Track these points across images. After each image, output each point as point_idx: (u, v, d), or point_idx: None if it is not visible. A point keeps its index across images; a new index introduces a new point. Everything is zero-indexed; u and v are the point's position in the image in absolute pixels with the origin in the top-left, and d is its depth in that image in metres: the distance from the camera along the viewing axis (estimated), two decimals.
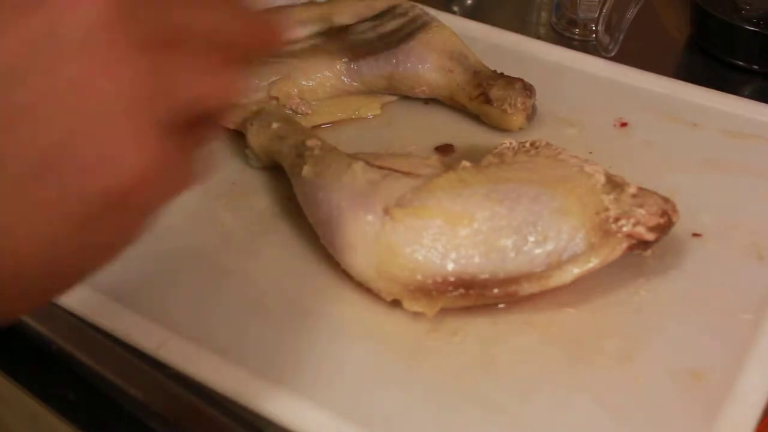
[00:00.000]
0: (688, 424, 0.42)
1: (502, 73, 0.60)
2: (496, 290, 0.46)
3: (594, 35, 0.66)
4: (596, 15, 0.65)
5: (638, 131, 0.59)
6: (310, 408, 0.43)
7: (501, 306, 0.47)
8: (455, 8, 0.78)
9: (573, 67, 0.65)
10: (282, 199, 0.55)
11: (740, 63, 0.68)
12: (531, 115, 0.60)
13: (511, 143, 0.52)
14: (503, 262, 0.46)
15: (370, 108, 0.62)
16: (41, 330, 0.49)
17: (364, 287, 0.48)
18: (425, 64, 0.61)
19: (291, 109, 0.60)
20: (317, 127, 0.60)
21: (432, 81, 0.61)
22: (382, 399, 0.44)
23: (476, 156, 0.51)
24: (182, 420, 0.44)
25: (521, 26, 0.75)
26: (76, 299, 0.49)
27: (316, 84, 0.61)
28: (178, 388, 0.45)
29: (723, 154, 0.57)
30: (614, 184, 0.48)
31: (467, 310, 0.47)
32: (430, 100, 0.62)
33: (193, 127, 0.30)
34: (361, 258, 0.47)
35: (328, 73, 0.61)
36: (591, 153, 0.56)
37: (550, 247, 0.46)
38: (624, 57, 0.65)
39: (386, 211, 0.47)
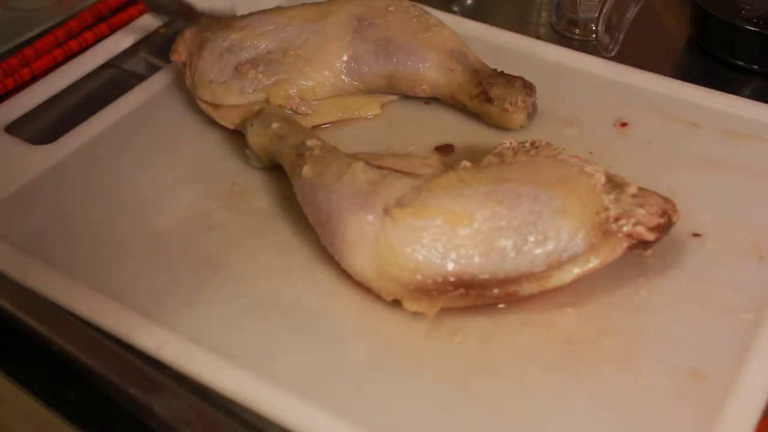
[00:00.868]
0: (688, 424, 0.42)
1: (502, 72, 0.60)
2: (496, 290, 0.46)
3: (594, 35, 0.66)
4: (596, 15, 0.65)
5: (638, 131, 0.59)
6: (310, 408, 0.43)
7: (501, 306, 0.47)
8: (455, 8, 0.78)
9: (573, 66, 0.65)
10: (282, 199, 0.55)
11: (740, 63, 0.68)
12: (532, 113, 0.60)
13: (511, 143, 0.52)
14: (503, 262, 0.46)
15: (370, 108, 0.62)
16: (41, 330, 0.49)
17: (364, 287, 0.48)
18: (425, 63, 0.61)
19: (291, 109, 0.60)
20: (317, 127, 0.60)
21: (432, 80, 0.61)
22: (382, 399, 0.44)
23: (476, 156, 0.51)
24: (182, 420, 0.44)
25: (521, 26, 0.75)
26: (76, 299, 0.49)
27: (316, 84, 0.61)
28: (178, 388, 0.45)
29: (723, 154, 0.57)
30: (614, 184, 0.48)
31: (467, 310, 0.47)
32: (431, 100, 0.62)
33: None
34: (361, 258, 0.47)
35: (327, 73, 0.61)
36: (591, 153, 0.56)
37: (550, 247, 0.46)
38: (624, 57, 0.65)
39: (386, 211, 0.47)
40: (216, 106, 0.60)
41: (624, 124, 0.60)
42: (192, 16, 0.69)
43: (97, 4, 0.76)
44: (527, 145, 0.52)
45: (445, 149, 0.58)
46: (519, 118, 0.59)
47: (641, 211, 0.47)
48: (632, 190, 0.48)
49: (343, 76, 0.61)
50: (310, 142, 0.53)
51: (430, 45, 0.61)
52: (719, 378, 0.44)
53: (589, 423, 0.42)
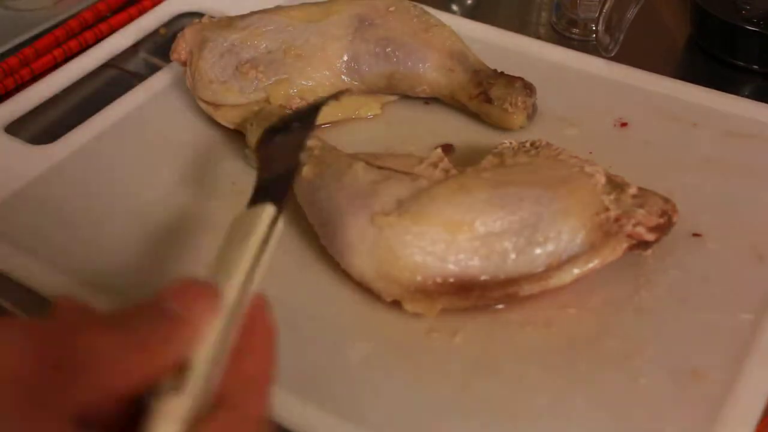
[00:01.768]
0: (688, 424, 0.42)
1: (502, 72, 0.60)
2: (496, 291, 0.46)
3: (594, 35, 0.66)
4: (596, 15, 0.65)
5: (638, 131, 0.59)
6: (310, 408, 0.43)
7: (501, 306, 0.47)
8: (455, 8, 0.78)
9: (573, 66, 0.65)
10: None
11: (740, 63, 0.68)
12: (532, 113, 0.60)
13: (511, 143, 0.52)
14: (503, 264, 0.46)
15: (370, 108, 0.62)
16: None
17: (364, 287, 0.48)
18: (425, 63, 0.61)
19: (291, 109, 0.60)
20: (317, 127, 0.60)
21: (432, 80, 0.61)
22: (382, 399, 0.44)
23: (476, 156, 0.51)
24: None
25: (521, 26, 0.75)
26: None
27: (317, 84, 0.61)
28: None
29: (723, 154, 0.57)
30: (614, 184, 0.48)
31: (467, 310, 0.47)
32: (431, 100, 0.62)
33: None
34: (361, 259, 0.47)
35: (328, 73, 0.61)
36: (591, 153, 0.56)
37: (550, 248, 0.46)
38: (624, 57, 0.65)
39: (387, 213, 0.47)
40: (216, 106, 0.60)
41: (624, 124, 0.60)
42: None
43: (97, 4, 0.76)
44: (527, 145, 0.52)
45: (445, 149, 0.58)
46: (519, 118, 0.59)
47: (641, 212, 0.47)
48: (632, 190, 0.48)
49: (343, 76, 0.62)
50: (310, 142, 0.53)
51: (431, 45, 0.61)
52: (719, 378, 0.44)
53: (589, 423, 0.42)
